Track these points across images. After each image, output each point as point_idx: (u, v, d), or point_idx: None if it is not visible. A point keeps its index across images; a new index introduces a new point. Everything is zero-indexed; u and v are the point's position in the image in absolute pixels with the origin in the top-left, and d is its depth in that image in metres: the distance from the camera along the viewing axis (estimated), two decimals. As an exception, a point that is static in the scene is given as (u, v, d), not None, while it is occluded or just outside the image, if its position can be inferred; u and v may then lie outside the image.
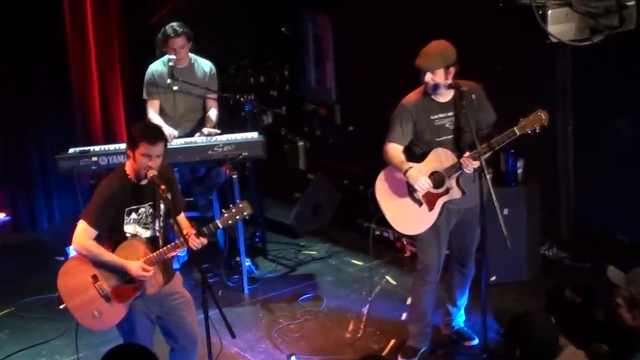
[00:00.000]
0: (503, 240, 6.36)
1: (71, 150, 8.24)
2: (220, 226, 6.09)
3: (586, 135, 8.57)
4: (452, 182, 6.73)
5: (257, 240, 9.20)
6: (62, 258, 8.43)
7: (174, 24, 8.35)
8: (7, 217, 9.81)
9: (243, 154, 8.13)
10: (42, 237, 9.87)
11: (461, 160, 6.60)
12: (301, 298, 8.22)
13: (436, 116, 6.74)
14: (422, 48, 6.67)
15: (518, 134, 6.57)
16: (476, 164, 6.55)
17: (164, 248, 6.00)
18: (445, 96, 6.73)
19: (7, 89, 9.69)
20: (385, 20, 9.63)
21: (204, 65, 8.57)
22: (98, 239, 6.03)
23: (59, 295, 6.07)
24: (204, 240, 6.00)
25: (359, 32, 10.10)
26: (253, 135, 8.35)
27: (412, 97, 6.80)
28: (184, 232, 5.95)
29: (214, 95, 8.58)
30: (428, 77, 6.61)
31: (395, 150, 6.77)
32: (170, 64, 8.36)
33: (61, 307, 6.10)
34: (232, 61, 10.59)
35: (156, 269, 6.02)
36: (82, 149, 8.27)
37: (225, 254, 8.49)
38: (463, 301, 7.30)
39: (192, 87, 8.44)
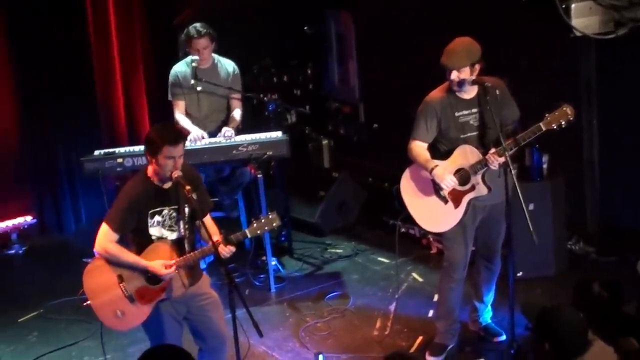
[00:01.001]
0: (529, 236, 6.32)
1: (96, 152, 8.28)
2: (249, 235, 6.10)
3: (611, 128, 8.53)
4: (477, 179, 6.72)
5: (283, 239, 9.21)
6: (90, 260, 8.45)
7: (197, 24, 8.36)
8: (34, 220, 9.86)
9: (267, 153, 8.15)
10: (69, 239, 9.93)
11: (487, 157, 6.58)
12: (328, 296, 8.23)
13: (461, 113, 6.72)
14: (445, 45, 6.65)
15: (544, 129, 6.54)
16: (501, 160, 6.52)
17: (192, 254, 6.02)
18: (470, 93, 6.72)
19: (32, 92, 9.75)
20: (408, 18, 9.62)
21: (227, 65, 8.58)
22: (124, 241, 6.06)
23: (82, 292, 6.10)
24: (233, 248, 6.01)
25: (382, 30, 10.09)
26: (277, 134, 8.36)
27: (437, 94, 6.78)
28: (213, 238, 5.96)
29: (238, 95, 8.59)
30: (454, 74, 6.59)
31: (420, 148, 6.75)
32: (194, 64, 8.38)
33: (85, 304, 6.13)
34: (255, 61, 10.59)
35: (182, 272, 6.03)
36: (107, 150, 8.31)
37: (251, 253, 8.50)
38: (490, 297, 7.28)
39: (216, 87, 8.45)
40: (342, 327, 7.70)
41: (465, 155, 6.70)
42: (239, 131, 8.43)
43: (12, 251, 9.68)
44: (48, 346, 7.69)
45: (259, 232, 6.11)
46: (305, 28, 11.01)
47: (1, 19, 9.52)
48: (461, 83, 6.61)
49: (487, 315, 7.35)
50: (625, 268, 7.86)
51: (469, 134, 6.74)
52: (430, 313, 7.63)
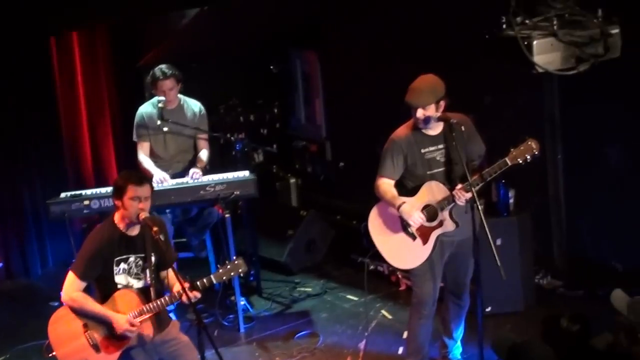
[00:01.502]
0: (497, 271, 6.33)
1: (63, 195, 8.22)
2: (214, 281, 6.09)
3: (576, 163, 8.60)
4: (445, 215, 6.74)
5: (251, 278, 9.18)
6: (57, 303, 8.36)
7: (163, 66, 8.37)
8: (0, 264, 9.78)
9: (235, 192, 8.13)
10: (36, 283, 9.84)
11: (453, 192, 6.61)
12: (297, 335, 8.20)
13: (427, 149, 6.76)
14: (410, 83, 6.69)
15: (510, 164, 6.59)
16: (468, 195, 6.55)
17: (156, 302, 5.99)
18: (435, 129, 6.76)
19: (-2, 135, 9.72)
20: (373, 56, 9.68)
21: (193, 105, 8.59)
22: (89, 290, 6.03)
23: (48, 343, 6.05)
24: (198, 295, 5.98)
25: (347, 68, 10.14)
26: (244, 173, 8.35)
27: (402, 131, 6.81)
28: (178, 286, 5.93)
29: (205, 135, 8.59)
30: (419, 112, 6.62)
31: (386, 185, 6.77)
32: (160, 105, 8.37)
33: (50, 355, 6.07)
34: (221, 100, 10.62)
35: (147, 321, 6.00)
36: (73, 193, 8.25)
37: (220, 293, 8.46)
38: (459, 333, 7.28)
39: (183, 127, 8.45)
40: (312, 366, 7.69)
41: (432, 191, 6.73)
42: (206, 171, 8.42)
43: (-22, 296, 9.62)
44: (15, 391, 7.64)
45: (224, 278, 6.11)
46: (271, 67, 11.04)
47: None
48: (427, 120, 6.65)
49: (456, 351, 7.35)
50: (593, 301, 7.90)
51: (435, 170, 6.77)
52: (400, 350, 7.61)
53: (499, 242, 7.70)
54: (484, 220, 6.44)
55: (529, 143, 6.62)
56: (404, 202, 6.68)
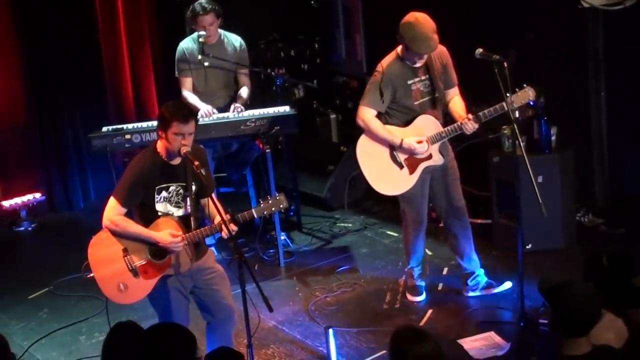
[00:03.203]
0: (538, 208, 6.35)
1: (104, 129, 8.27)
2: (255, 216, 6.09)
3: (619, 100, 8.50)
4: (434, 148, 6.99)
5: (291, 214, 9.22)
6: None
7: (202, 1, 8.34)
8: (43, 197, 9.88)
9: (276, 128, 8.14)
10: (79, 216, 9.96)
11: (462, 121, 6.80)
12: (337, 270, 8.24)
13: (412, 80, 6.94)
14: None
15: (506, 108, 6.66)
16: (476, 126, 6.78)
17: (198, 230, 6.02)
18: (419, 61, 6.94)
19: (40, 70, 9.75)
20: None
21: (234, 40, 8.56)
22: (130, 217, 6.07)
23: (87, 264, 6.11)
24: (235, 228, 5.95)
25: (388, 3, 10.04)
26: (285, 109, 8.35)
27: (389, 63, 6.97)
28: (219, 216, 5.96)
29: (245, 71, 8.58)
30: (425, 56, 6.82)
31: (375, 121, 6.95)
32: (201, 40, 8.35)
33: (89, 276, 6.15)
34: (262, 36, 10.58)
35: (187, 247, 6.04)
36: (115, 127, 8.31)
37: (260, 228, 8.51)
38: (474, 256, 7.43)
39: (223, 62, 8.43)
40: (351, 301, 7.71)
41: (424, 125, 6.96)
42: (246, 107, 8.41)
43: (22, 228, 9.73)
44: (59, 322, 7.72)
45: (265, 212, 6.12)
46: (312, 2, 10.96)
47: (9, -1, 9.54)
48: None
49: (481, 279, 7.47)
50: (634, 240, 7.86)
51: (421, 100, 6.99)
52: (440, 286, 7.70)
53: (540, 179, 7.69)
54: (525, 157, 6.44)
55: (526, 90, 6.78)
56: (402, 139, 6.90)
